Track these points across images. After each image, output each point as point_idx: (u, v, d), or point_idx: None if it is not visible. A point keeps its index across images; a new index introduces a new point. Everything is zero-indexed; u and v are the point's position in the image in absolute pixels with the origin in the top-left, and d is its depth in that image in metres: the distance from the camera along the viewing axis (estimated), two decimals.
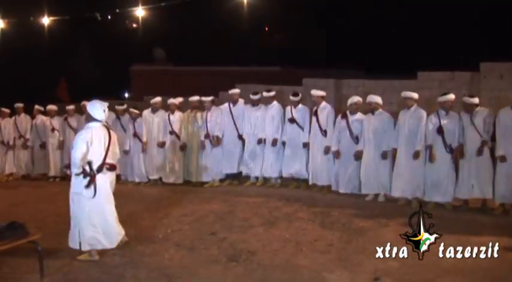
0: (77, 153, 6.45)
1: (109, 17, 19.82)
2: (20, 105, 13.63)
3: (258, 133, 10.97)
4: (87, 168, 6.51)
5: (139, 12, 17.82)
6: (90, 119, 6.75)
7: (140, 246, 7.30)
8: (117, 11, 18.70)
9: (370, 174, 9.57)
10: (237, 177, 11.34)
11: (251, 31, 28.33)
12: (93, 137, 6.58)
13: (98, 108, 6.73)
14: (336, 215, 8.55)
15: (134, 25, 26.39)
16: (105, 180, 6.76)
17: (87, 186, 6.51)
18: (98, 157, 6.62)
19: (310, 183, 10.47)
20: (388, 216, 8.40)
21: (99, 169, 6.61)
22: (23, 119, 13.49)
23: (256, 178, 11.15)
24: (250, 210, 8.96)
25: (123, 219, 8.63)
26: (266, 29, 33.88)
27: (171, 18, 25.06)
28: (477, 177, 8.59)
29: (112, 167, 6.79)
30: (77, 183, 6.59)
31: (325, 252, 6.87)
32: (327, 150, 10.11)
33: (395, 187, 9.29)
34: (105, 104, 6.86)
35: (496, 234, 7.22)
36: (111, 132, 6.91)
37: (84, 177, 6.51)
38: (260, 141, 10.90)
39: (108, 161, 6.72)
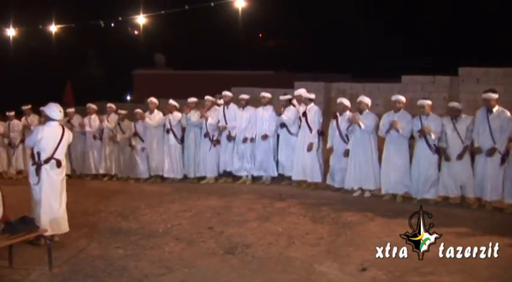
0: (28, 143, 7.30)
1: (112, 24, 19.82)
2: (28, 106, 13.58)
3: (246, 134, 10.95)
4: (35, 157, 7.03)
5: (141, 19, 17.82)
6: (48, 119, 7.22)
7: (142, 240, 7.30)
8: (120, 18, 18.69)
9: (358, 171, 9.55)
10: (231, 175, 11.30)
11: (246, 37, 28.33)
12: (44, 133, 7.05)
13: (54, 110, 7.19)
14: (325, 210, 8.55)
15: (136, 32, 26.39)
16: (54, 175, 7.08)
17: (36, 173, 7.00)
18: (48, 151, 7.02)
19: (295, 178, 10.42)
20: (374, 211, 8.40)
21: (47, 161, 7.00)
22: (33, 119, 13.41)
23: (247, 176, 11.12)
24: (245, 206, 8.95)
25: (127, 215, 8.71)
26: (260, 35, 33.89)
27: (171, 26, 25.08)
28: (459, 178, 8.64)
29: (59, 163, 7.08)
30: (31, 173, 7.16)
31: (315, 244, 6.88)
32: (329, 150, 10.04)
33: (384, 183, 9.28)
34: (60, 106, 7.32)
35: (473, 227, 7.36)
36: (66, 132, 7.29)
37: (33, 165, 7.05)
38: (246, 140, 10.89)
39: (56, 156, 7.05)
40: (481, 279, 5.57)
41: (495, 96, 8.33)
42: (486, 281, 5.56)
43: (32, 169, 7.11)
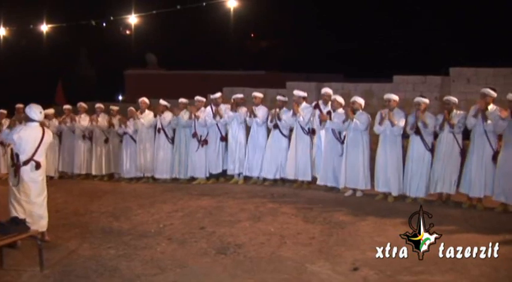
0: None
1: (104, 24, 19.75)
2: (20, 105, 13.50)
3: (239, 135, 10.96)
4: (14, 159, 6.96)
5: (133, 19, 17.77)
6: (28, 119, 7.14)
7: (134, 240, 7.29)
8: (112, 18, 18.63)
9: (350, 171, 9.57)
10: (223, 175, 11.29)
11: (238, 37, 28.34)
12: (22, 133, 6.96)
13: (34, 111, 7.10)
14: (317, 209, 8.55)
15: (127, 32, 26.37)
16: (34, 176, 7.01)
17: (14, 175, 6.94)
18: (27, 152, 6.95)
19: (289, 177, 10.42)
20: (366, 210, 8.43)
21: (26, 163, 6.93)
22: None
23: (239, 175, 11.12)
24: (237, 206, 8.94)
25: (118, 215, 8.69)
26: (252, 35, 33.90)
27: (163, 25, 25.05)
28: (447, 174, 8.69)
29: (38, 165, 7.00)
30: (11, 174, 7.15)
31: (307, 244, 6.89)
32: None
33: (376, 183, 9.30)
34: (40, 107, 7.23)
35: (466, 226, 7.40)
36: (46, 133, 7.21)
37: (12, 166, 7.02)
38: (237, 140, 10.93)
39: (36, 158, 6.98)
40: (471, 277, 5.60)
41: (494, 94, 8.36)
42: (477, 279, 5.59)
43: (11, 170, 7.07)
